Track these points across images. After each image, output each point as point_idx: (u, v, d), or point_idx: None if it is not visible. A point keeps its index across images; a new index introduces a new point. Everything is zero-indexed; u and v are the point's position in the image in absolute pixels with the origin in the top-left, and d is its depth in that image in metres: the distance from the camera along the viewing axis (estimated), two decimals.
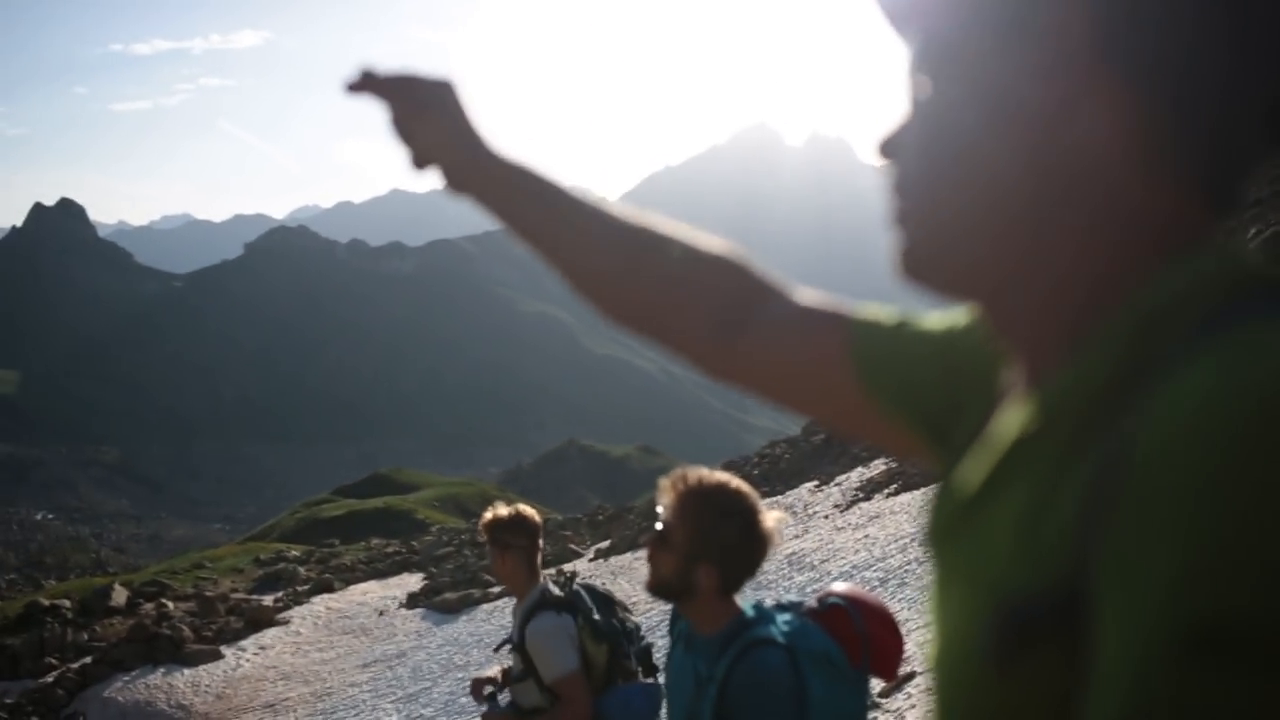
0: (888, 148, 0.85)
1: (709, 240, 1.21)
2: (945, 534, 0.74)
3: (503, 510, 4.02)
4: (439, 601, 16.04)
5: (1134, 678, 0.53)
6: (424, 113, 1.23)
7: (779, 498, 15.69)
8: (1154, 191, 0.70)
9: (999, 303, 0.78)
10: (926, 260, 0.81)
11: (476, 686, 4.16)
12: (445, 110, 1.24)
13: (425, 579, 18.10)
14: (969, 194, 0.76)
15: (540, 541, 4.05)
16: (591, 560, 16.95)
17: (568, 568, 15.96)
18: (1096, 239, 0.72)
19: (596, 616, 3.79)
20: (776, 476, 18.33)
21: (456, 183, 1.25)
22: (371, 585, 19.31)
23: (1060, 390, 0.67)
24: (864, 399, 1.05)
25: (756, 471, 19.38)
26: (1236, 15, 0.67)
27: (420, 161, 1.25)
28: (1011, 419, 0.71)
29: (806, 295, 1.15)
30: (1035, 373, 0.76)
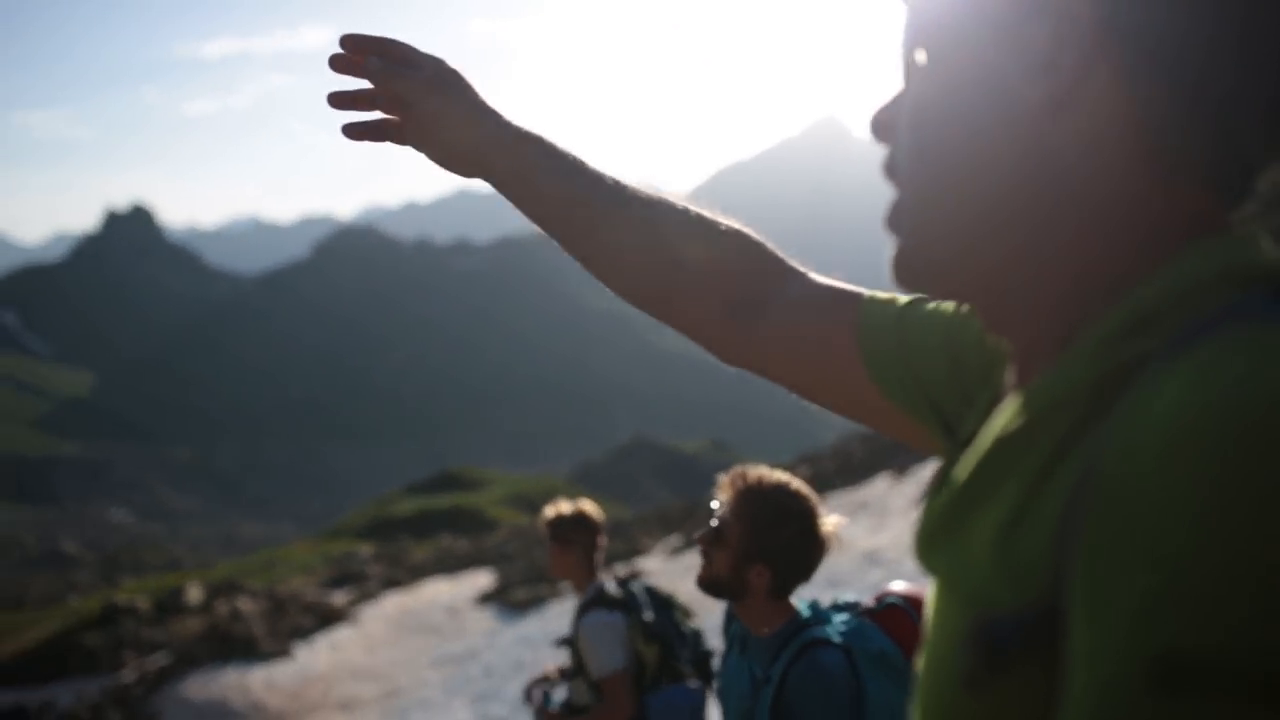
0: (879, 127, 0.83)
1: (725, 221, 1.19)
2: (929, 540, 0.72)
3: (564, 507, 4.02)
4: (510, 599, 15.91)
5: (1097, 707, 0.52)
6: (440, 90, 1.22)
7: (854, 492, 15.36)
8: (1157, 185, 0.68)
9: (995, 297, 0.76)
10: (920, 258, 0.78)
11: (531, 688, 4.14)
12: (454, 95, 1.23)
13: (496, 577, 17.98)
14: (961, 183, 0.74)
15: (601, 539, 4.01)
16: (662, 558, 16.73)
17: (638, 565, 15.77)
18: (1098, 234, 0.69)
19: (649, 617, 3.77)
20: (851, 470, 17.94)
21: (479, 160, 1.23)
22: (442, 583, 19.26)
23: (1045, 393, 0.65)
24: (872, 388, 1.03)
25: (831, 465, 19.05)
26: (1244, 5, 0.65)
27: (446, 156, 1.24)
28: (998, 421, 0.69)
29: (820, 280, 1.14)
30: (1030, 372, 0.74)
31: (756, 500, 2.53)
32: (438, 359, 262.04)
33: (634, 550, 18.01)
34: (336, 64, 1.23)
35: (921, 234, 0.77)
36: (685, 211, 1.20)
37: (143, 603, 20.22)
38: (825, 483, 16.41)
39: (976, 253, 0.75)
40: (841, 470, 18.30)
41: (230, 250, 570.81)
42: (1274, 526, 0.49)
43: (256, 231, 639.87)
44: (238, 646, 15.75)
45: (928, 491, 0.76)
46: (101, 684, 16.10)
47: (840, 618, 2.52)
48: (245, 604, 18.66)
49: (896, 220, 0.79)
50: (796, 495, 2.54)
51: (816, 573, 2.58)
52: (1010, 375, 0.78)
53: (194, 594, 20.59)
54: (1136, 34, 0.66)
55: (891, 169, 0.80)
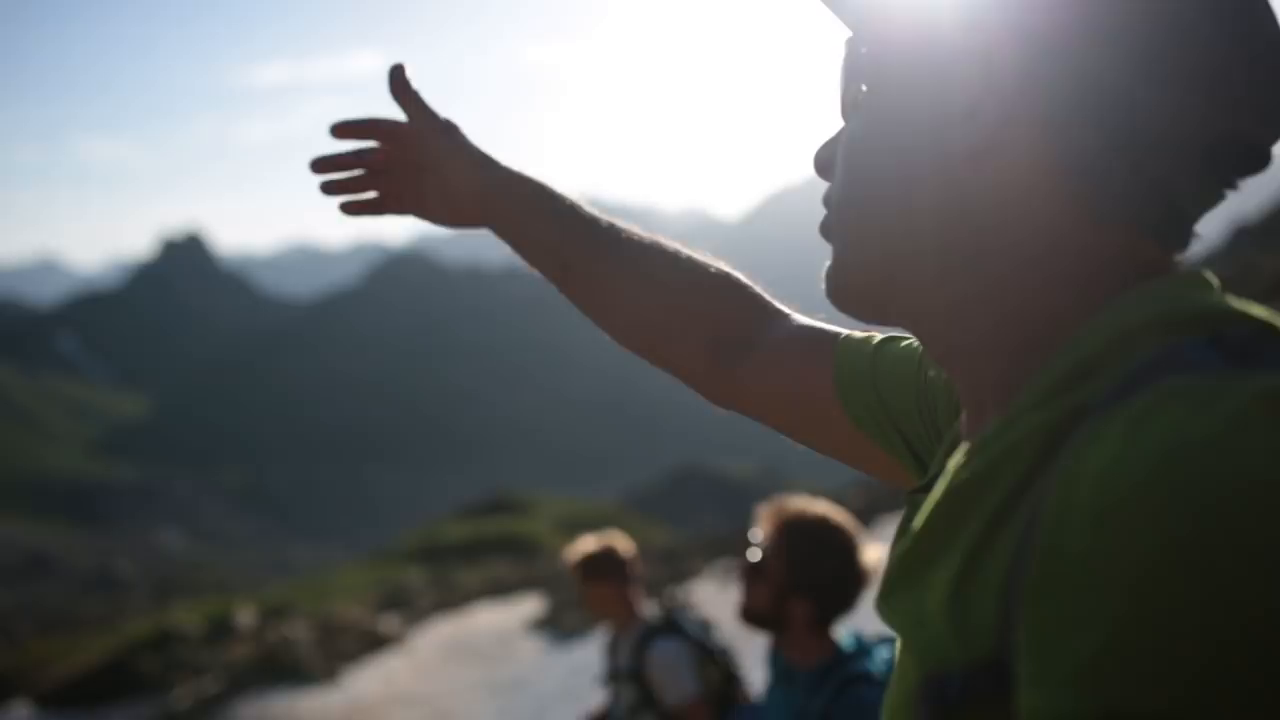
0: (819, 164, 0.83)
1: (712, 263, 1.21)
2: (887, 593, 0.71)
3: (591, 544, 3.97)
4: (561, 626, 15.75)
5: None
6: (446, 132, 1.28)
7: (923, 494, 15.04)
8: (1088, 229, 0.68)
9: (930, 339, 0.77)
10: (848, 287, 0.79)
11: None
12: (457, 138, 1.28)
13: (546, 602, 17.81)
14: (889, 223, 0.74)
15: (636, 571, 3.96)
16: (713, 583, 16.51)
17: (688, 591, 15.58)
18: (1029, 278, 0.69)
19: (704, 640, 3.75)
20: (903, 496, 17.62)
21: (482, 205, 1.29)
22: (492, 609, 19.13)
23: (992, 445, 0.64)
24: (851, 425, 1.04)
25: (884, 490, 18.76)
26: (1168, 51, 0.65)
27: (444, 213, 1.33)
28: (950, 472, 0.68)
29: (803, 321, 1.15)
30: (977, 414, 0.74)
31: (796, 533, 2.51)
32: (488, 384, 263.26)
33: (684, 576, 17.82)
34: (341, 131, 1.31)
35: (847, 262, 0.78)
36: (675, 254, 1.22)
37: (194, 626, 20.26)
38: (879, 508, 16.13)
39: (899, 287, 0.75)
40: (897, 495, 17.95)
41: (283, 276, 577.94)
42: (1203, 585, 0.49)
43: (309, 258, 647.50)
44: (288, 671, 15.69)
45: (894, 539, 0.75)
46: (153, 707, 16.11)
47: (884, 651, 2.47)
48: (295, 629, 18.64)
49: (826, 231, 0.80)
50: (837, 528, 2.52)
51: (861, 603, 2.51)
52: (962, 420, 0.78)
53: (245, 618, 20.61)
54: (1057, 80, 0.66)
55: (826, 201, 0.80)
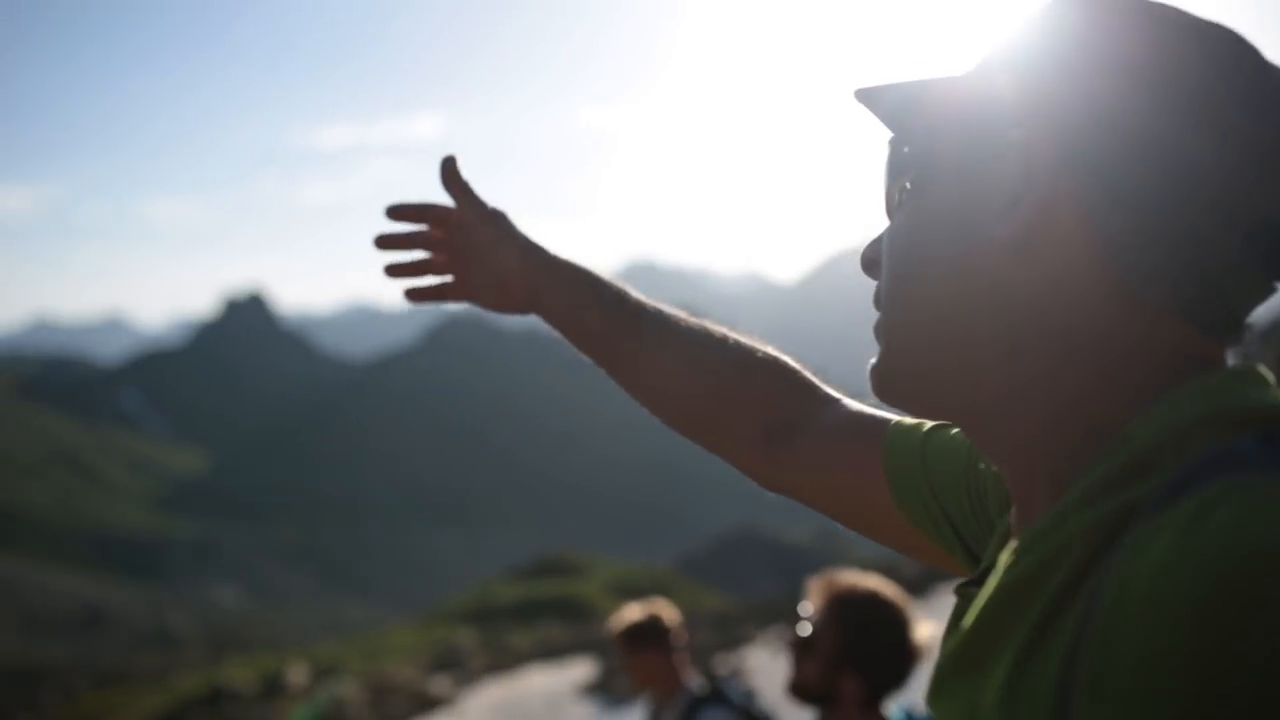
0: (866, 263, 0.84)
1: (760, 347, 1.23)
2: (939, 686, 0.70)
3: (635, 613, 3.94)
4: (613, 691, 15.62)
5: None
6: (492, 221, 1.34)
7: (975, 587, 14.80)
8: (1134, 321, 0.67)
9: (977, 431, 0.76)
10: (895, 381, 0.79)
11: None
12: (506, 226, 1.33)
13: (598, 666, 17.71)
14: (931, 315, 0.74)
15: (682, 639, 3.92)
16: (767, 651, 16.32)
17: (742, 658, 15.39)
18: (1075, 370, 0.69)
19: (752, 709, 3.71)
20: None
21: (532, 291, 1.33)
22: (544, 671, 19.03)
23: (1043, 542, 0.64)
24: (900, 514, 1.04)
25: None
26: (1206, 141, 0.65)
27: (462, 285, 1.37)
28: (1001, 569, 0.68)
29: (853, 407, 1.15)
30: (1026, 509, 0.74)
31: (847, 608, 2.48)
32: (542, 445, 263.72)
33: (736, 642, 17.63)
34: (395, 214, 1.38)
35: (893, 356, 0.78)
36: (722, 340, 1.23)
37: (247, 684, 20.32)
38: (934, 577, 15.90)
39: (946, 380, 0.75)
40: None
41: (341, 336, 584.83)
42: (1260, 694, 0.49)
43: (367, 318, 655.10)
44: None
45: (945, 633, 0.75)
46: None
47: None
48: (347, 688, 18.63)
49: (878, 334, 0.80)
50: (888, 603, 2.49)
51: (913, 680, 2.46)
52: (1012, 514, 0.77)
53: (297, 676, 20.65)
54: (1097, 172, 0.67)
55: (877, 301, 0.80)
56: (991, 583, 0.67)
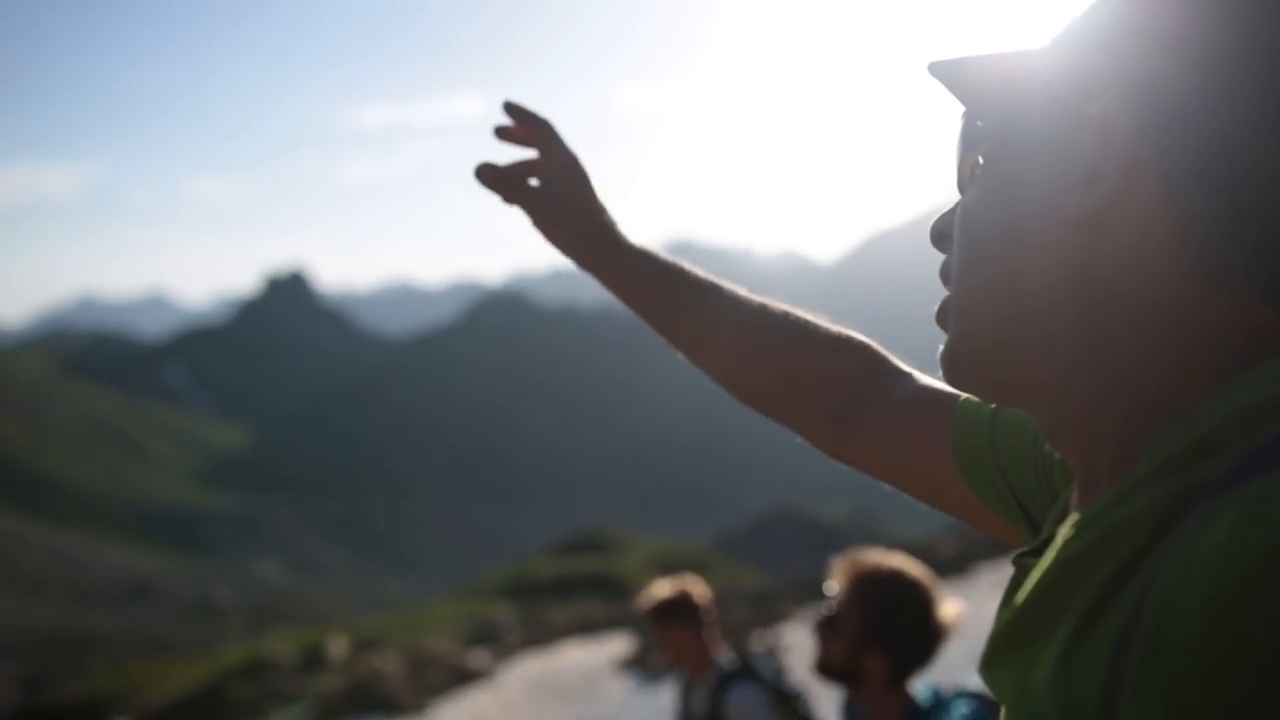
0: (935, 236, 0.84)
1: (830, 326, 1.24)
2: (992, 658, 0.69)
3: (665, 590, 3.95)
4: (649, 667, 15.67)
5: None
6: (556, 206, 1.33)
7: (1003, 568, 14.76)
8: (1210, 300, 0.66)
9: (1045, 410, 0.76)
10: (965, 361, 0.79)
11: None
12: (574, 208, 1.32)
13: (635, 642, 17.76)
14: (1002, 292, 0.74)
15: (712, 615, 3.93)
16: (803, 628, 16.33)
17: (778, 635, 15.42)
18: (1147, 350, 0.67)
19: (782, 684, 3.73)
20: (998, 543, 17.31)
21: (588, 269, 1.34)
22: (581, 647, 19.12)
23: (1104, 519, 0.63)
24: (965, 486, 1.05)
25: (979, 539, 18.43)
26: None
27: (555, 241, 1.35)
28: (1059, 543, 0.67)
29: (923, 382, 1.16)
30: (1088, 485, 0.73)
31: (872, 588, 2.50)
32: (581, 422, 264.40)
33: (773, 619, 17.65)
34: (502, 134, 1.37)
35: (964, 335, 0.78)
36: (786, 317, 1.25)
37: (288, 656, 20.56)
38: (972, 555, 15.84)
39: (1017, 359, 0.74)
40: (988, 543, 17.68)
41: (381, 313, 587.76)
42: None
43: (407, 296, 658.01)
44: (377, 703, 15.83)
45: (1001, 602, 0.74)
46: None
47: (961, 707, 2.42)
48: (386, 661, 18.81)
49: (943, 317, 0.80)
50: (913, 583, 2.50)
51: (944, 656, 2.51)
52: (1072, 490, 0.77)
53: (337, 649, 20.87)
54: (1180, 146, 0.65)
55: (944, 275, 0.80)
56: (1049, 557, 0.67)
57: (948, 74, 0.81)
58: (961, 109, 0.81)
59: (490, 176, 1.32)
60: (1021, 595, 0.67)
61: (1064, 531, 0.67)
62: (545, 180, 1.34)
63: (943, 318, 0.80)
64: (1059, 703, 0.61)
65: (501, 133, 1.36)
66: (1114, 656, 0.57)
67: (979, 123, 0.78)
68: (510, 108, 1.34)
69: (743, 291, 1.30)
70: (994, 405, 1.03)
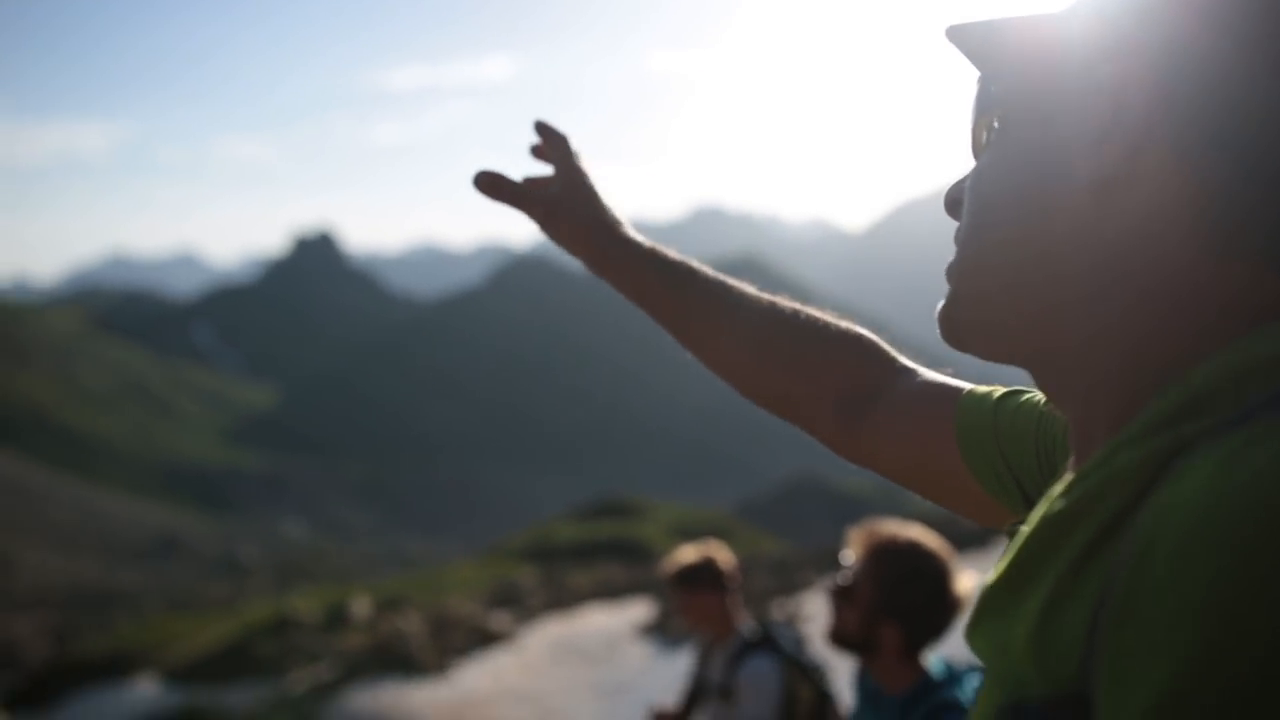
0: (949, 203, 0.84)
1: (837, 323, 1.25)
2: (976, 620, 0.69)
3: (689, 554, 3.93)
4: (669, 632, 15.74)
5: None
6: (554, 213, 1.35)
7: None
8: (1218, 264, 0.65)
9: (1048, 372, 0.76)
10: (962, 323, 0.79)
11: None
12: (577, 206, 1.34)
13: (655, 607, 17.83)
14: (1009, 253, 0.74)
15: (735, 582, 3.91)
16: (823, 597, 16.34)
17: (798, 603, 15.44)
18: (1152, 312, 0.67)
19: (800, 656, 3.69)
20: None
21: (596, 270, 1.36)
22: (602, 611, 19.21)
23: (1092, 476, 0.62)
24: (972, 480, 1.05)
25: None
26: None
27: (563, 245, 1.38)
28: (1047, 502, 0.66)
29: (928, 376, 1.16)
30: (1083, 449, 0.73)
31: (887, 558, 2.49)
32: (605, 387, 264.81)
33: (794, 588, 17.68)
34: (535, 153, 1.41)
35: (966, 297, 0.78)
36: (794, 315, 1.25)
37: (312, 614, 20.74)
38: (995, 530, 15.78)
39: (1020, 321, 0.74)
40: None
41: (409, 275, 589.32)
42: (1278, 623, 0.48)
43: (434, 258, 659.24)
44: (399, 662, 15.96)
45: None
46: (270, 689, 16.53)
47: (975, 680, 2.40)
48: (409, 621, 18.95)
49: (950, 275, 0.80)
50: (929, 554, 2.49)
51: (952, 631, 2.48)
52: (1070, 461, 0.77)
53: (360, 608, 21.04)
54: (1195, 109, 0.65)
55: (957, 239, 0.80)
56: (1034, 516, 0.66)
57: (962, 37, 0.81)
58: (977, 74, 0.81)
59: (487, 183, 1.35)
60: (1006, 556, 0.67)
61: (1052, 492, 0.67)
62: (549, 184, 1.37)
63: (949, 276, 0.80)
64: (1038, 656, 0.60)
65: (535, 152, 1.40)
66: (1096, 608, 0.57)
67: (993, 86, 0.78)
68: (540, 127, 1.38)
69: (750, 289, 1.30)
70: (999, 395, 1.03)
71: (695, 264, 1.33)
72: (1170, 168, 0.65)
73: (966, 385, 1.10)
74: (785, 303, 1.28)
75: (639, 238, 1.35)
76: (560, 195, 1.35)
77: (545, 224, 1.36)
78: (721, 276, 1.32)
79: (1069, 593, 0.60)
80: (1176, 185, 0.65)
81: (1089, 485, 0.62)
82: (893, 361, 1.21)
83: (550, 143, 1.38)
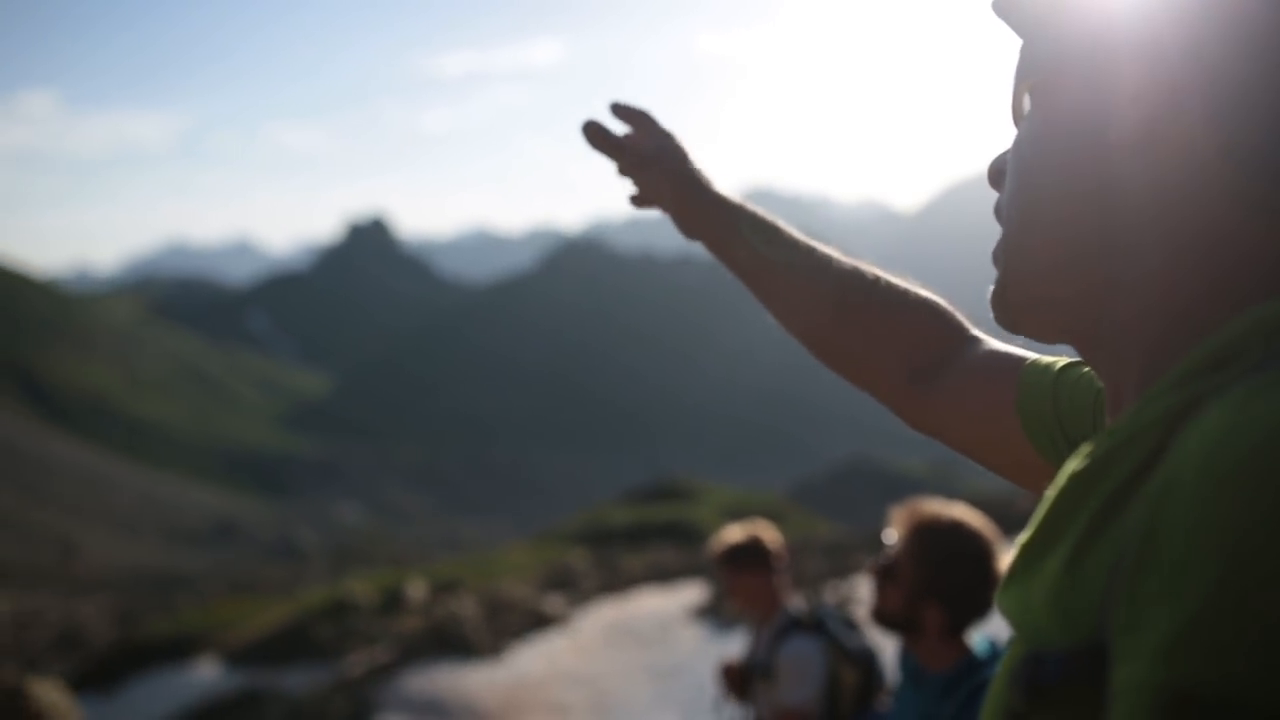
0: (992, 175, 0.84)
1: (914, 291, 1.26)
2: (1007, 583, 0.68)
3: (736, 534, 3.90)
4: (722, 615, 15.74)
5: None
6: (648, 166, 1.40)
7: None
8: (1249, 225, 0.66)
9: (1085, 334, 0.77)
10: (1014, 303, 0.80)
11: (728, 676, 3.95)
12: (668, 162, 1.39)
13: (708, 590, 17.83)
14: (1049, 220, 0.75)
15: (783, 562, 3.87)
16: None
17: (850, 586, 15.38)
18: (1184, 273, 0.68)
19: (846, 638, 3.65)
20: None
21: (684, 229, 1.41)
22: (655, 594, 19.25)
23: (1118, 430, 0.62)
24: (1032, 451, 1.05)
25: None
26: None
27: (644, 204, 1.45)
28: (1073, 459, 0.66)
29: (994, 346, 1.17)
30: (1115, 408, 0.74)
31: (930, 538, 2.47)
32: (657, 370, 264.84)
33: (846, 570, 17.61)
34: (597, 127, 1.44)
35: (1014, 269, 0.78)
36: (875, 281, 1.27)
37: (368, 597, 20.95)
38: (990, 526, 15.60)
39: (1062, 288, 0.75)
40: None
41: (461, 260, 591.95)
42: None
43: (486, 242, 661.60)
44: (454, 645, 16.09)
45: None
46: (328, 672, 16.73)
47: None
48: (463, 604, 19.08)
49: (997, 256, 0.81)
50: (972, 534, 2.47)
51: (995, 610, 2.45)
52: (1106, 416, 0.77)
53: (415, 591, 21.23)
54: (1224, 70, 0.65)
55: (998, 211, 0.81)
56: (1062, 473, 0.66)
57: (1009, 7, 0.82)
58: (1019, 43, 0.81)
59: (594, 132, 1.41)
60: (1036, 514, 0.67)
61: (1081, 450, 0.67)
62: (644, 141, 1.42)
63: (997, 257, 0.80)
64: (1060, 609, 0.60)
65: (616, 112, 1.45)
66: (1114, 563, 0.56)
67: (1035, 52, 0.78)
68: (617, 108, 1.44)
69: (834, 251, 1.32)
70: (1060, 366, 1.04)
71: (782, 222, 1.35)
72: (1201, 125, 0.66)
73: (1031, 355, 1.10)
74: (867, 267, 1.29)
75: (728, 193, 1.38)
76: (654, 151, 1.39)
77: (637, 173, 1.41)
78: (807, 238, 1.34)
79: (1091, 545, 0.60)
80: (1207, 144, 0.66)
81: (1115, 439, 0.62)
82: (963, 330, 1.22)
83: (633, 119, 1.43)
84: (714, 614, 15.95)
